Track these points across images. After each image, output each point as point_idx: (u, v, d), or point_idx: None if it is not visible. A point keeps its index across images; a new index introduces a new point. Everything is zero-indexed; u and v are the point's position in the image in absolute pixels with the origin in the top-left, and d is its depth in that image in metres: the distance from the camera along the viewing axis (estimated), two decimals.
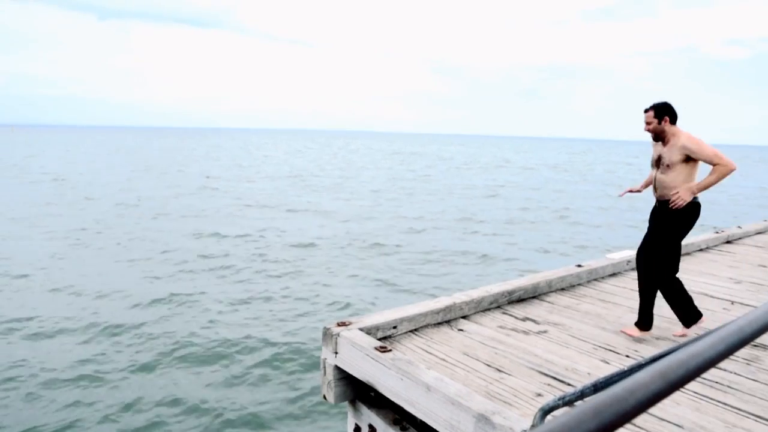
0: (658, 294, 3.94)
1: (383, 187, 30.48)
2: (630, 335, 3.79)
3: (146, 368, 6.98)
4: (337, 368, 3.31)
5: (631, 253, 5.70)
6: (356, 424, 3.42)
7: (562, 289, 4.82)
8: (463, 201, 25.21)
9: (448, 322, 3.92)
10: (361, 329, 3.37)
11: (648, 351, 3.48)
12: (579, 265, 5.20)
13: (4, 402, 6.11)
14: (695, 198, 3.72)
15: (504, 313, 4.19)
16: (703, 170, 3.72)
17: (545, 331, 3.83)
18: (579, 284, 5.00)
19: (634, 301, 4.52)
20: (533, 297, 4.60)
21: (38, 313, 8.84)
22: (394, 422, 3.17)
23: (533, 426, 2.28)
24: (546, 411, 2.31)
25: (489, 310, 4.23)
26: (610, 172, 50.87)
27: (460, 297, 4.09)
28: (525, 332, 3.80)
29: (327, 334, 3.36)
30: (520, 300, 4.49)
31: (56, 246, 13.84)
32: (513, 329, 3.85)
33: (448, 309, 3.93)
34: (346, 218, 19.31)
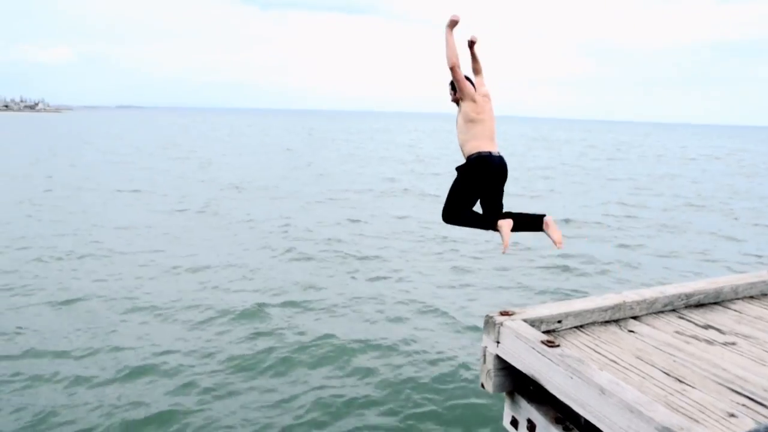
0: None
1: (523, 176, 29.46)
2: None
3: (285, 364, 7.11)
4: (498, 358, 3.23)
5: None
6: (513, 417, 3.32)
7: (751, 297, 4.25)
8: (611, 195, 23.47)
9: (616, 321, 3.64)
10: (524, 320, 3.25)
11: None
12: None
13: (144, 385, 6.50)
14: (479, 154, 3.87)
15: (681, 318, 3.80)
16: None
17: (733, 343, 3.40)
18: None
19: None
20: (715, 303, 4.11)
21: (168, 295, 9.37)
22: (556, 420, 3.03)
23: None
24: None
25: (663, 312, 3.86)
26: None
27: (630, 296, 3.77)
28: (708, 341, 3.40)
29: (489, 323, 3.28)
30: (699, 305, 4.04)
31: (186, 222, 14.98)
32: (693, 336, 3.47)
33: (617, 307, 3.64)
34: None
